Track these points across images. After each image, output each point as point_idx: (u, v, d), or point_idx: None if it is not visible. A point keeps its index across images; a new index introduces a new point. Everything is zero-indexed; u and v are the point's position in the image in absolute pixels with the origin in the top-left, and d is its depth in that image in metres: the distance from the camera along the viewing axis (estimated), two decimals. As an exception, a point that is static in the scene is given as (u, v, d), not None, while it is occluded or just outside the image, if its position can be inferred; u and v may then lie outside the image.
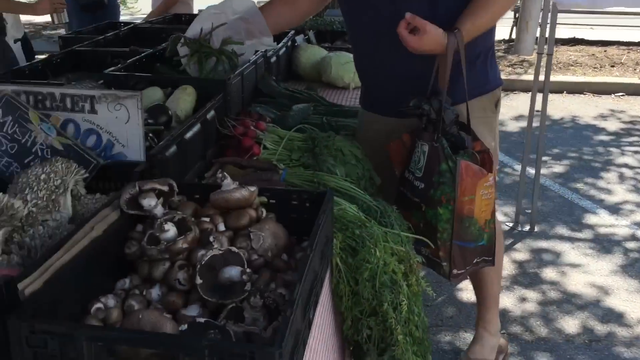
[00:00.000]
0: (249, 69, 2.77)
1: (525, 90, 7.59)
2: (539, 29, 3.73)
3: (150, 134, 1.92)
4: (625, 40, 9.55)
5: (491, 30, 2.39)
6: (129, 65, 2.65)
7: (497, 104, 2.47)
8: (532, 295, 3.41)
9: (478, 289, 2.74)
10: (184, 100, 2.29)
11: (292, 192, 1.71)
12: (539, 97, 3.89)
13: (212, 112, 2.29)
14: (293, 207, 1.70)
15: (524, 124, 6.22)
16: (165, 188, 1.53)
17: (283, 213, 1.70)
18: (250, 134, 2.31)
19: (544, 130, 4.11)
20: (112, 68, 2.54)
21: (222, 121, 2.39)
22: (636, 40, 9.51)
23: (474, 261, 2.25)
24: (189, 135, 2.04)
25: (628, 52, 8.96)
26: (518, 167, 5.16)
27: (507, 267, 3.65)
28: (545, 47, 3.73)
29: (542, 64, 3.85)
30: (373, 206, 2.06)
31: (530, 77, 7.81)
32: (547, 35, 3.70)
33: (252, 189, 1.63)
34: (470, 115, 2.35)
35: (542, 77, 3.83)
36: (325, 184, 2.10)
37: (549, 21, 3.67)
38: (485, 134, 2.42)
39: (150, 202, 1.52)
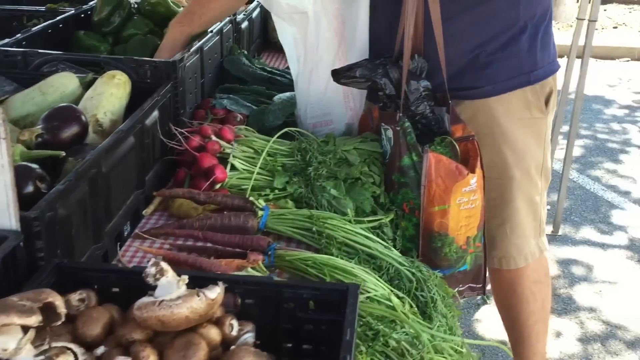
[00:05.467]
0: (212, 41, 1.96)
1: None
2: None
3: (39, 170, 1.13)
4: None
5: None
6: (35, 35, 1.82)
7: (548, 100, 1.74)
8: (570, 327, 2.75)
9: (517, 346, 2.02)
10: (110, 95, 1.49)
11: (282, 286, 0.96)
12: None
13: (155, 114, 1.51)
14: (285, 312, 0.96)
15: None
16: (33, 321, 0.76)
17: (267, 319, 0.97)
18: (210, 149, 1.53)
19: (578, 111, 3.39)
20: (6, 40, 1.71)
21: (175, 125, 1.61)
22: (635, -1, 8.81)
23: (454, 291, 1.58)
24: (113, 159, 1.26)
25: (630, 12, 8.26)
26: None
27: (533, 285, 2.99)
28: (588, 9, 2.99)
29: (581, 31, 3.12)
30: (405, 271, 1.32)
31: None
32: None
33: (214, 294, 0.87)
34: (507, 114, 1.67)
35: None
36: (329, 233, 1.36)
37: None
38: (528, 142, 1.71)
39: (6, 343, 0.76)
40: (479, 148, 1.50)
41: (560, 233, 3.44)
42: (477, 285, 1.65)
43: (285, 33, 1.80)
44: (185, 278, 0.89)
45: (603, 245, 3.36)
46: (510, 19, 1.58)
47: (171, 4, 2.15)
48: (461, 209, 1.47)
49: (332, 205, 1.49)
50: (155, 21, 2.12)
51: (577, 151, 4.50)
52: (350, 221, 1.43)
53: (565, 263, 3.20)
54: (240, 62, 2.10)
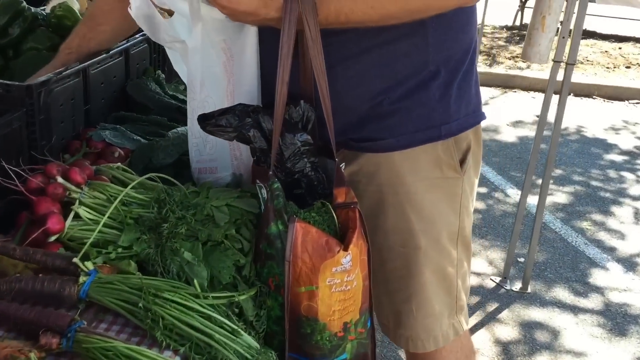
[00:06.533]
0: (110, 62, 1.75)
1: (527, 89, 6.59)
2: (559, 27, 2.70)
3: None
4: (642, 37, 8.52)
5: (464, 29, 1.39)
6: None
7: (465, 158, 1.46)
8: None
9: None
10: (-64, 122, 1.27)
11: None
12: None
13: (-10, 147, 1.29)
14: None
15: (523, 132, 5.22)
16: None
17: None
18: (51, 192, 1.30)
19: (553, 155, 3.10)
20: None
21: (28, 160, 1.39)
22: (654, 39, 8.49)
23: None
24: None
25: (645, 52, 7.95)
26: (512, 191, 4.22)
27: (488, 350, 2.70)
28: (566, 52, 2.72)
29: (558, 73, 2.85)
30: (240, 367, 1.08)
31: (534, 73, 6.80)
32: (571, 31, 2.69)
33: None
34: (413, 172, 1.41)
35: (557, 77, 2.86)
36: (157, 311, 1.11)
37: (575, 11, 2.64)
38: (439, 205, 1.45)
39: None
40: (361, 217, 1.24)
41: (529, 290, 3.15)
42: (366, 374, 1.39)
43: (177, 62, 1.59)
44: None
45: (575, 309, 3.06)
46: (418, 63, 1.34)
47: (80, 16, 1.94)
48: (333, 292, 1.22)
49: (185, 272, 1.25)
50: (61, 35, 1.91)
51: (565, 198, 4.21)
52: (198, 295, 1.19)
53: (528, 326, 2.91)
54: (147, 87, 1.87)
